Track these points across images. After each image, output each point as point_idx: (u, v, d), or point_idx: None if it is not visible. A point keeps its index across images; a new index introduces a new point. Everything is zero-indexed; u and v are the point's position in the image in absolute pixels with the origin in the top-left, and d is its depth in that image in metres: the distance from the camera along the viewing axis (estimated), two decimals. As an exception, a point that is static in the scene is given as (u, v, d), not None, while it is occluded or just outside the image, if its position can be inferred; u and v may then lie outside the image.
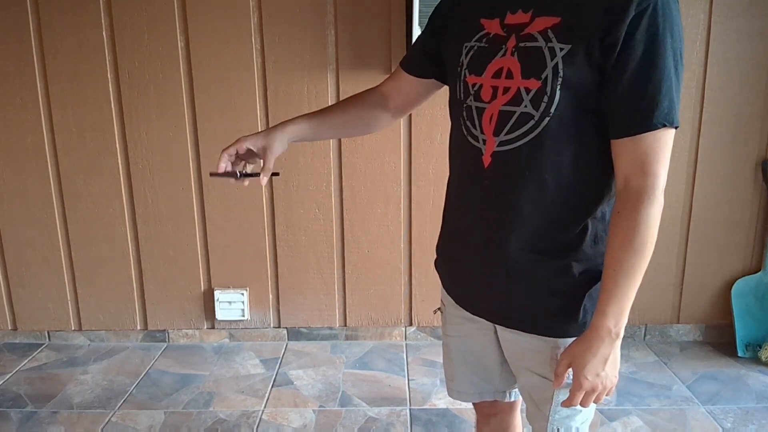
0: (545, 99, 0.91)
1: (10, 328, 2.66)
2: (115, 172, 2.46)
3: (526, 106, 0.93)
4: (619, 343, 0.93)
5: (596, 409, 2.11)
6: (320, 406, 2.15)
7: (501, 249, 1.00)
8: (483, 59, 0.98)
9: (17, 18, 2.32)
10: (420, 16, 2.15)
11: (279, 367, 2.43)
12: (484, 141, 0.98)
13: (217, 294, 2.57)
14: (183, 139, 2.42)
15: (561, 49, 0.89)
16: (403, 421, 2.06)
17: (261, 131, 1.18)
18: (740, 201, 2.49)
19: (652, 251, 0.91)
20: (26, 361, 2.51)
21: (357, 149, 2.43)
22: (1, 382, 2.34)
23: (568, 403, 0.97)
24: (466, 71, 1.02)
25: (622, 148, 0.90)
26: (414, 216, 2.49)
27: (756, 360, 2.44)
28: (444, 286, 1.19)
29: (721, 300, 2.59)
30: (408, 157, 2.43)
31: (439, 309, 1.24)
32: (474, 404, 1.29)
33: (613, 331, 0.92)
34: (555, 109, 0.91)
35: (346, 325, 2.64)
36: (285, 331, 2.65)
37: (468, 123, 1.02)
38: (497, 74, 0.96)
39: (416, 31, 2.17)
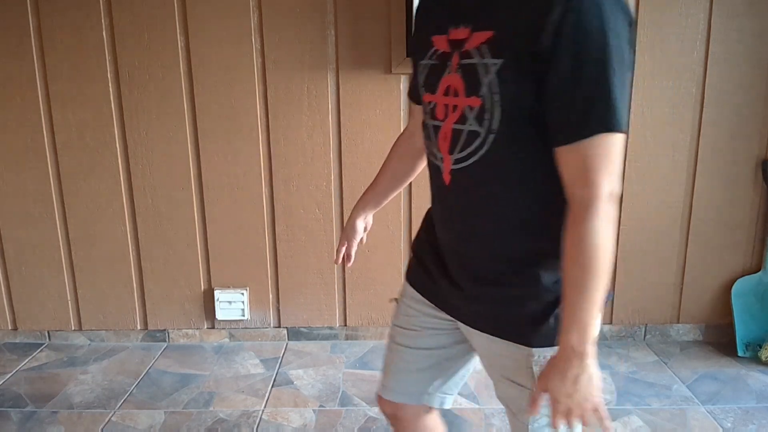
0: (487, 116, 0.90)
1: (10, 328, 2.66)
2: (115, 172, 2.46)
3: (471, 125, 0.93)
4: (589, 361, 0.88)
5: (596, 408, 2.11)
6: (320, 406, 2.15)
7: (469, 261, 1.03)
8: (435, 77, 0.98)
9: (17, 18, 2.32)
10: (420, 16, 2.15)
11: (279, 367, 2.43)
12: (442, 159, 1.00)
13: (217, 294, 2.57)
14: (183, 139, 2.42)
15: (494, 65, 0.88)
16: (403, 421, 2.06)
17: (346, 225, 1.36)
18: (740, 201, 2.49)
19: (605, 267, 0.86)
20: (26, 361, 2.51)
21: (357, 149, 2.43)
22: (1, 382, 2.34)
23: (553, 426, 0.93)
24: (423, 89, 1.03)
25: (562, 158, 0.88)
26: (414, 216, 2.49)
27: (756, 360, 2.44)
28: (410, 279, 1.21)
29: (721, 300, 2.59)
30: (408, 157, 2.43)
31: (395, 299, 1.25)
32: (391, 407, 1.27)
33: (577, 349, 0.87)
34: (498, 125, 0.90)
35: (346, 325, 2.64)
36: (285, 331, 2.65)
37: (428, 142, 1.04)
38: (447, 92, 0.96)
39: (416, 31, 2.17)
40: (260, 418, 2.08)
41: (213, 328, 2.65)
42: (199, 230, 2.52)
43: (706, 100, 2.40)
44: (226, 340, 2.66)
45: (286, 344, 2.63)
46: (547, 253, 0.95)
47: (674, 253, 2.54)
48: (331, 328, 2.64)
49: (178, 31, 2.33)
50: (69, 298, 2.60)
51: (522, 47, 0.85)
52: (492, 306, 1.03)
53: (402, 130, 1.30)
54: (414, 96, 1.17)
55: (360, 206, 1.32)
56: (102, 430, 2.02)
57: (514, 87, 0.87)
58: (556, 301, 0.95)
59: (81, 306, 2.61)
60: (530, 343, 0.98)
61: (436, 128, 1.00)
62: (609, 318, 2.62)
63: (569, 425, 0.91)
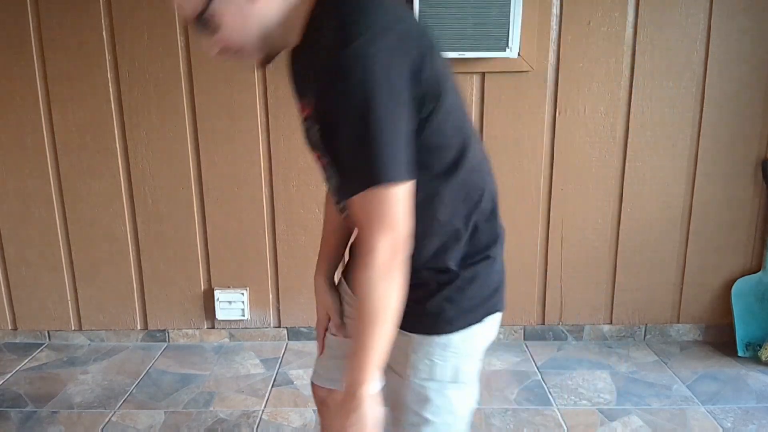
0: (332, 172, 0.97)
1: (10, 328, 2.66)
2: (115, 172, 2.46)
3: (328, 178, 1.03)
4: (363, 402, 0.89)
5: (596, 408, 2.11)
6: (320, 406, 2.15)
7: None
8: (305, 135, 1.04)
9: (17, 18, 2.32)
10: (420, 16, 2.15)
11: (279, 367, 2.43)
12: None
13: (217, 294, 2.57)
14: (183, 139, 2.42)
15: (318, 130, 0.91)
16: (403, 421, 2.06)
17: (317, 303, 1.31)
18: (740, 201, 2.49)
19: (381, 320, 0.87)
20: (26, 360, 2.51)
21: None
22: (1, 382, 2.34)
23: None
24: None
25: (349, 210, 0.91)
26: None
27: (756, 360, 2.44)
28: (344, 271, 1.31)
29: (721, 300, 2.59)
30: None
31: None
32: (320, 392, 1.38)
33: (351, 389, 0.89)
34: (329, 170, 0.98)
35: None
36: (285, 331, 2.65)
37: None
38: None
39: (416, 31, 2.17)
40: (260, 418, 2.08)
41: (213, 328, 2.65)
42: (199, 230, 2.52)
43: (706, 100, 2.40)
44: (226, 340, 2.66)
45: (286, 344, 2.63)
46: (439, 263, 1.00)
47: (674, 253, 2.54)
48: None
49: (178, 31, 2.33)
50: (69, 298, 2.60)
51: (320, 113, 0.89)
52: None
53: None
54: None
55: (320, 278, 1.29)
56: (102, 430, 2.02)
57: (328, 150, 0.92)
58: (435, 290, 1.00)
59: (81, 306, 2.61)
60: (409, 329, 1.00)
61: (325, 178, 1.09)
62: (609, 318, 2.62)
63: None
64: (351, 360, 0.90)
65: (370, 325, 0.88)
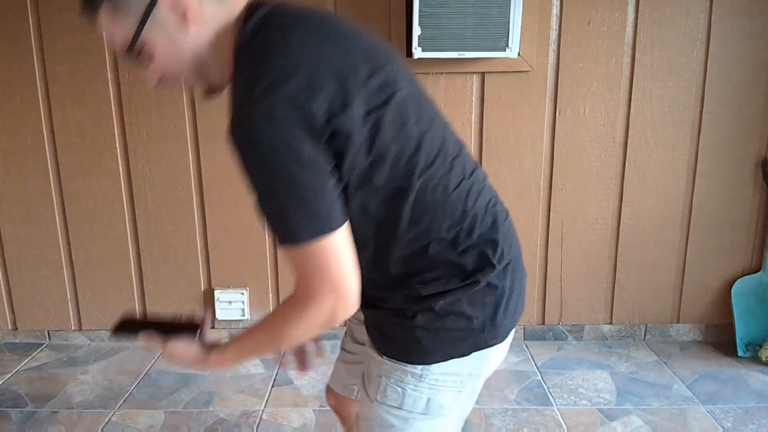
0: None
1: (10, 328, 2.66)
2: (115, 172, 2.46)
3: None
4: (205, 365, 1.02)
5: (596, 408, 2.11)
6: (320, 406, 2.15)
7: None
8: None
9: (17, 18, 2.32)
10: (420, 16, 2.15)
11: (279, 367, 2.43)
12: None
13: (217, 294, 2.57)
14: (183, 139, 2.42)
15: None
16: (403, 421, 2.05)
17: None
18: (740, 201, 2.49)
19: (292, 345, 0.97)
20: (26, 360, 2.51)
21: (357, 149, 2.42)
22: (1, 382, 2.34)
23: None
24: None
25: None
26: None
27: (756, 360, 2.44)
28: None
29: (721, 300, 2.59)
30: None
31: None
32: (334, 399, 1.43)
33: (211, 353, 1.00)
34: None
35: (346, 325, 2.63)
36: (285, 331, 2.64)
37: None
38: None
39: (416, 31, 2.17)
40: (260, 418, 2.08)
41: (213, 328, 2.64)
42: (199, 230, 2.52)
43: (706, 100, 2.40)
44: (226, 340, 2.65)
45: (286, 344, 2.62)
46: (414, 286, 0.94)
47: (674, 253, 2.54)
48: (331, 328, 2.63)
49: (178, 31, 2.33)
50: (69, 298, 2.60)
51: None
52: (370, 313, 1.04)
53: None
54: None
55: None
56: (102, 430, 2.02)
57: None
58: (410, 316, 0.94)
59: (81, 306, 2.61)
60: (382, 351, 0.98)
61: None
62: (609, 318, 2.62)
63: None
64: (234, 343, 0.98)
65: (262, 342, 0.94)
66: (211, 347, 1.01)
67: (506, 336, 0.98)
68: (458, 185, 0.92)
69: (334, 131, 0.80)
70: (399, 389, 0.95)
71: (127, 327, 1.06)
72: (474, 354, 0.95)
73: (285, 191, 0.79)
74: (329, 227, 0.81)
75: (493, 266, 0.93)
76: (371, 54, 0.87)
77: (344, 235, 0.83)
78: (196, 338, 1.04)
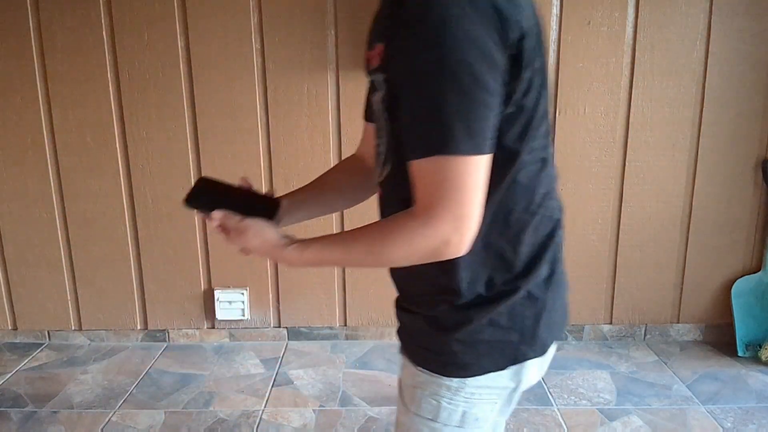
0: (382, 134, 0.87)
1: (10, 327, 2.66)
2: (115, 172, 2.46)
3: (379, 141, 0.90)
4: (282, 257, 0.93)
5: (596, 408, 2.11)
6: (320, 406, 2.15)
7: (391, 276, 1.01)
8: (369, 95, 0.94)
9: (17, 18, 2.32)
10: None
11: (279, 367, 2.43)
12: (376, 174, 0.97)
13: (217, 294, 2.57)
14: (183, 139, 2.42)
15: (384, 80, 0.82)
16: (403, 421, 2.06)
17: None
18: (740, 201, 2.49)
19: (385, 265, 0.87)
20: (26, 360, 2.51)
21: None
22: (1, 381, 2.34)
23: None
24: (366, 110, 1.00)
25: (410, 172, 0.79)
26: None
27: (756, 360, 2.44)
28: None
29: (721, 300, 2.59)
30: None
31: None
32: None
33: (294, 245, 0.92)
34: (388, 145, 0.86)
35: (346, 325, 2.64)
36: (285, 331, 2.65)
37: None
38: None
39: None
40: (260, 418, 2.08)
41: (213, 328, 2.64)
42: (199, 230, 2.52)
43: (706, 100, 2.40)
44: (226, 340, 2.66)
45: (286, 344, 2.63)
46: (450, 282, 0.87)
47: (674, 252, 2.54)
48: (331, 328, 2.64)
49: (178, 31, 2.33)
50: (69, 298, 2.60)
51: (389, 61, 0.79)
52: (405, 320, 0.99)
53: (359, 163, 1.14)
54: (366, 115, 1.08)
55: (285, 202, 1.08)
56: (102, 430, 2.02)
57: (394, 104, 0.80)
58: (446, 326, 0.89)
59: (81, 306, 2.61)
60: (418, 363, 0.94)
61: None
62: (609, 318, 2.62)
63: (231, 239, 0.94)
64: (323, 241, 0.91)
65: (365, 259, 0.84)
66: (290, 239, 0.92)
67: (545, 350, 0.94)
68: (540, 173, 0.87)
69: (515, 55, 0.75)
70: (434, 401, 0.92)
71: (203, 195, 0.97)
72: (511, 367, 0.91)
73: (459, 92, 0.72)
74: (483, 149, 0.75)
75: (537, 274, 0.89)
76: (537, 11, 0.83)
77: (487, 166, 0.76)
78: (275, 220, 0.95)
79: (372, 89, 0.91)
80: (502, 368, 0.90)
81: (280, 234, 0.94)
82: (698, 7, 2.31)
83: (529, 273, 0.89)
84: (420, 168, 0.76)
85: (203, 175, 1.05)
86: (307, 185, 1.12)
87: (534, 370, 0.94)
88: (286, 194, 1.07)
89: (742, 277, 2.54)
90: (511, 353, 0.90)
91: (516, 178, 0.83)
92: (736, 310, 2.52)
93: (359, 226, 0.86)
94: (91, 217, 2.51)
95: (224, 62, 2.35)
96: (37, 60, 2.36)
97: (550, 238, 0.92)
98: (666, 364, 2.44)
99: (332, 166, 1.17)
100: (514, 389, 0.94)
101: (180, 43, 2.34)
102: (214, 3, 2.30)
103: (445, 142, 0.73)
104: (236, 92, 2.38)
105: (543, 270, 0.90)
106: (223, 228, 0.94)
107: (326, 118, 2.40)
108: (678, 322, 2.63)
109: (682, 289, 2.59)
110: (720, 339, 2.60)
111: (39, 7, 2.31)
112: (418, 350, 0.95)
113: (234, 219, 0.92)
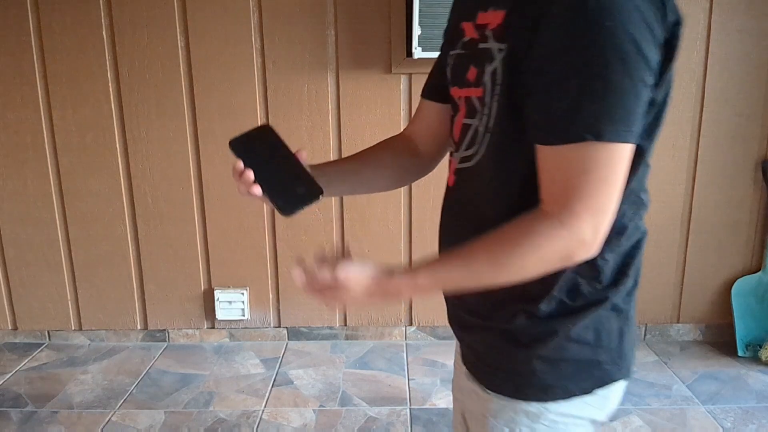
0: (486, 111, 0.76)
1: (10, 328, 2.66)
2: (115, 172, 2.46)
3: (474, 118, 0.79)
4: (388, 292, 0.77)
5: (596, 408, 2.11)
6: (320, 406, 2.15)
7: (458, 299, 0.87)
8: (462, 68, 0.82)
9: (17, 18, 2.32)
10: (420, 16, 2.15)
11: (279, 367, 2.43)
12: (453, 155, 0.87)
13: (217, 294, 2.57)
14: (183, 139, 2.42)
15: (499, 50, 0.72)
16: (403, 421, 2.06)
17: None
18: (740, 201, 2.49)
19: (514, 278, 0.71)
20: (26, 360, 2.51)
21: (357, 149, 2.41)
22: (1, 381, 2.34)
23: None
24: (450, 83, 0.87)
25: (540, 159, 0.70)
26: (414, 215, 2.49)
27: (756, 360, 2.44)
28: None
29: (721, 300, 2.59)
30: (408, 157, 2.43)
31: None
32: None
33: (400, 288, 0.76)
34: (494, 123, 0.75)
35: (346, 325, 2.64)
36: (285, 331, 2.65)
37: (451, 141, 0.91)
38: (467, 83, 0.80)
39: (416, 31, 2.17)
40: (260, 418, 2.08)
41: (213, 328, 2.64)
42: (199, 230, 2.52)
43: (706, 100, 2.40)
44: (226, 340, 2.66)
45: (286, 344, 2.63)
46: (542, 291, 0.77)
47: (674, 253, 2.54)
48: (331, 328, 2.64)
49: (178, 31, 2.33)
50: (69, 298, 2.60)
51: (527, 29, 0.68)
52: (473, 338, 0.88)
53: (408, 143, 1.03)
54: (429, 92, 0.98)
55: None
56: (102, 430, 2.02)
57: (515, 79, 0.71)
58: (534, 349, 0.79)
59: (81, 306, 2.61)
60: (489, 385, 0.83)
61: (454, 123, 0.86)
62: (609, 318, 2.62)
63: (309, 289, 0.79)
64: (437, 261, 0.76)
65: (491, 275, 0.72)
66: (389, 270, 0.76)
67: (631, 371, 0.85)
68: (644, 177, 0.79)
69: (669, 40, 0.69)
70: (508, 431, 0.81)
71: (253, 142, 0.92)
72: (598, 391, 0.81)
73: (623, 70, 0.64)
74: (635, 137, 0.67)
75: (624, 286, 0.81)
76: None
77: (629, 157, 0.68)
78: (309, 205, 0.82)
79: (466, 61, 0.80)
80: (588, 391, 0.80)
81: (377, 266, 0.77)
82: (698, 7, 2.31)
83: (617, 283, 0.80)
84: (560, 155, 0.67)
85: (269, 124, 0.99)
86: (346, 158, 1.02)
87: (619, 395, 0.84)
88: (321, 164, 0.96)
89: (742, 277, 2.54)
90: (598, 374, 0.81)
91: (630, 178, 0.73)
92: (736, 310, 2.52)
93: (481, 239, 0.73)
94: (91, 217, 2.51)
95: (224, 62, 2.35)
96: (37, 60, 2.36)
97: (637, 248, 0.82)
98: (666, 364, 2.44)
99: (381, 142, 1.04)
100: (600, 422, 0.84)
101: (180, 43, 2.34)
102: (214, 3, 2.30)
103: (601, 126, 0.64)
104: (236, 92, 2.38)
105: (629, 281, 0.82)
106: (314, 287, 0.78)
107: (326, 118, 2.40)
108: (678, 322, 2.63)
109: (682, 289, 2.59)
110: (720, 339, 2.60)
111: (39, 7, 2.31)
112: (489, 371, 0.83)
113: (324, 274, 0.76)
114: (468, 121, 0.80)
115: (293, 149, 0.90)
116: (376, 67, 2.34)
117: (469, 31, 0.81)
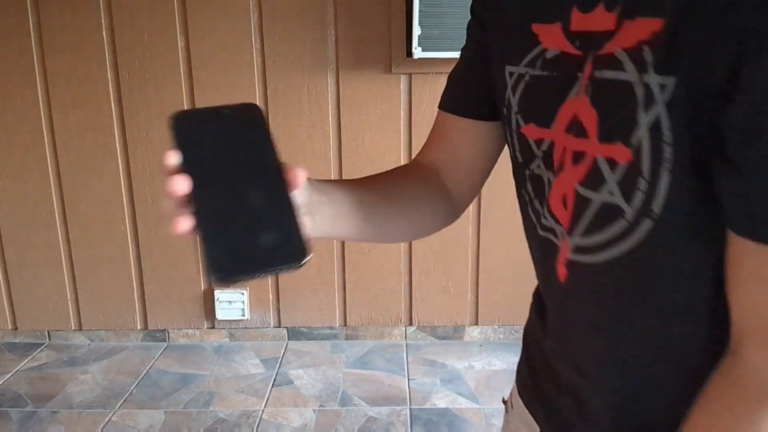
0: (641, 184, 0.48)
1: (10, 328, 2.66)
2: (115, 172, 2.46)
3: (611, 193, 0.50)
4: None
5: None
6: (320, 406, 2.15)
7: (594, 393, 0.60)
8: (546, 98, 0.56)
9: (17, 18, 2.32)
10: (420, 16, 2.15)
11: (279, 367, 2.44)
12: (560, 236, 0.58)
13: (217, 293, 2.57)
14: (183, 139, 2.42)
15: (662, 87, 0.45)
16: (403, 421, 2.06)
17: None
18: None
19: None
20: (26, 360, 2.51)
21: (357, 149, 2.43)
22: (2, 382, 2.35)
23: None
24: (518, 117, 0.60)
25: (738, 260, 0.45)
26: (414, 216, 2.49)
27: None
28: (519, 387, 0.76)
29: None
30: (408, 157, 2.43)
31: (504, 401, 0.82)
32: None
33: None
34: (662, 206, 0.47)
35: (346, 325, 2.64)
36: (285, 331, 2.65)
37: (533, 200, 0.62)
38: (570, 128, 0.54)
39: (416, 31, 2.17)
40: (260, 418, 2.08)
41: (213, 327, 2.65)
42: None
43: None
44: (226, 339, 2.66)
45: (286, 344, 2.63)
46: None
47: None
48: (331, 327, 2.64)
49: (178, 31, 2.33)
50: (69, 298, 2.60)
51: (716, 57, 0.42)
52: None
53: (430, 175, 0.73)
54: (463, 104, 0.71)
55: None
56: (102, 430, 2.02)
57: (698, 132, 0.44)
58: None
59: (81, 306, 2.61)
60: None
61: (547, 182, 0.58)
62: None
63: None
64: None
65: None
66: None
67: None
68: None
69: None
70: None
71: (193, 121, 0.55)
72: None
73: None
74: None
75: None
76: None
77: None
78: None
79: (561, 90, 0.54)
80: None
81: None
82: None
83: None
84: None
85: (258, 106, 0.54)
86: (353, 182, 0.67)
87: None
88: (319, 182, 0.59)
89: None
90: None
91: None
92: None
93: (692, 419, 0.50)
94: (91, 217, 2.51)
95: (224, 62, 2.36)
96: (37, 60, 2.36)
97: None
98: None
99: (376, 173, 0.73)
100: None
101: (180, 43, 2.34)
102: (214, 3, 2.31)
103: None
104: (236, 92, 2.38)
105: None
106: None
107: (326, 118, 2.40)
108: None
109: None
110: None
111: (39, 7, 2.31)
112: None
113: None
114: (588, 191, 0.52)
115: (285, 160, 0.52)
116: (376, 67, 2.34)
117: (552, 39, 0.55)
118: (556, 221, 0.58)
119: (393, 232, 0.72)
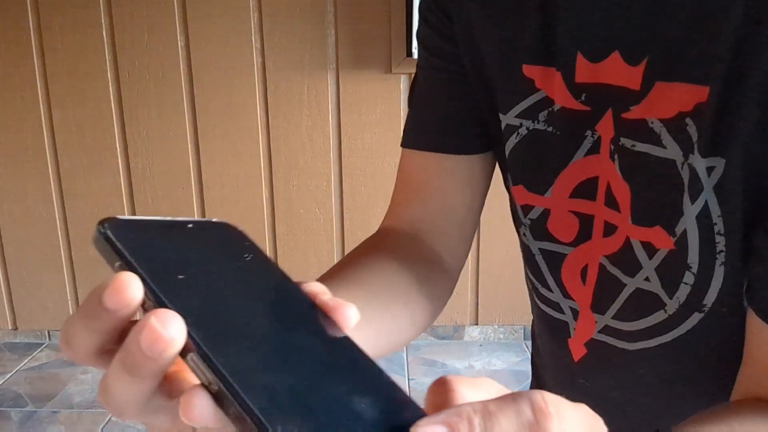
0: (688, 278, 0.42)
1: (10, 327, 2.66)
2: (115, 172, 2.46)
3: (647, 280, 0.44)
4: None
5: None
6: (320, 406, 2.15)
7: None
8: (543, 158, 0.48)
9: (17, 18, 2.32)
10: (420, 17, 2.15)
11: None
12: (573, 313, 0.51)
13: (217, 294, 2.57)
14: (183, 139, 2.42)
15: (709, 170, 0.39)
16: (403, 421, 2.05)
17: None
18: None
19: None
20: (26, 360, 2.51)
21: (357, 149, 2.43)
22: (1, 381, 2.35)
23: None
24: (510, 176, 0.53)
25: (758, 339, 0.40)
26: (414, 216, 2.49)
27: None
28: None
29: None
30: (408, 157, 2.43)
31: None
32: None
33: None
34: (715, 297, 0.42)
35: None
36: (285, 331, 2.64)
37: (534, 271, 0.55)
38: (582, 191, 0.47)
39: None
40: (260, 418, 2.08)
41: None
42: (199, 230, 2.52)
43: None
44: None
45: (286, 344, 2.62)
46: None
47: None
48: (331, 328, 2.64)
49: (178, 31, 2.33)
50: (69, 298, 2.60)
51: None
52: None
53: (412, 243, 0.57)
54: (430, 142, 0.56)
55: None
56: (102, 430, 2.02)
57: (752, 215, 0.39)
58: None
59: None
60: None
61: (553, 255, 0.51)
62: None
63: None
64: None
65: None
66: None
67: None
68: None
69: None
70: None
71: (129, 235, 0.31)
72: None
73: None
74: None
75: None
76: None
77: None
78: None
79: (550, 144, 0.47)
80: None
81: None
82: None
83: None
84: None
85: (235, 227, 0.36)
86: (344, 280, 0.55)
87: None
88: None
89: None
90: None
91: None
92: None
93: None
94: (91, 217, 2.51)
95: (224, 62, 2.36)
96: (37, 60, 2.36)
97: None
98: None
99: (351, 250, 0.61)
100: None
101: (180, 43, 2.34)
102: (214, 3, 2.31)
103: None
104: (236, 92, 2.38)
105: None
106: None
107: (326, 118, 2.40)
108: (678, 322, 2.62)
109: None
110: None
111: (39, 7, 2.31)
112: None
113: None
114: (620, 274, 0.46)
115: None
116: (376, 67, 2.34)
117: (550, 87, 0.46)
118: (565, 295, 0.50)
119: (400, 338, 0.53)
